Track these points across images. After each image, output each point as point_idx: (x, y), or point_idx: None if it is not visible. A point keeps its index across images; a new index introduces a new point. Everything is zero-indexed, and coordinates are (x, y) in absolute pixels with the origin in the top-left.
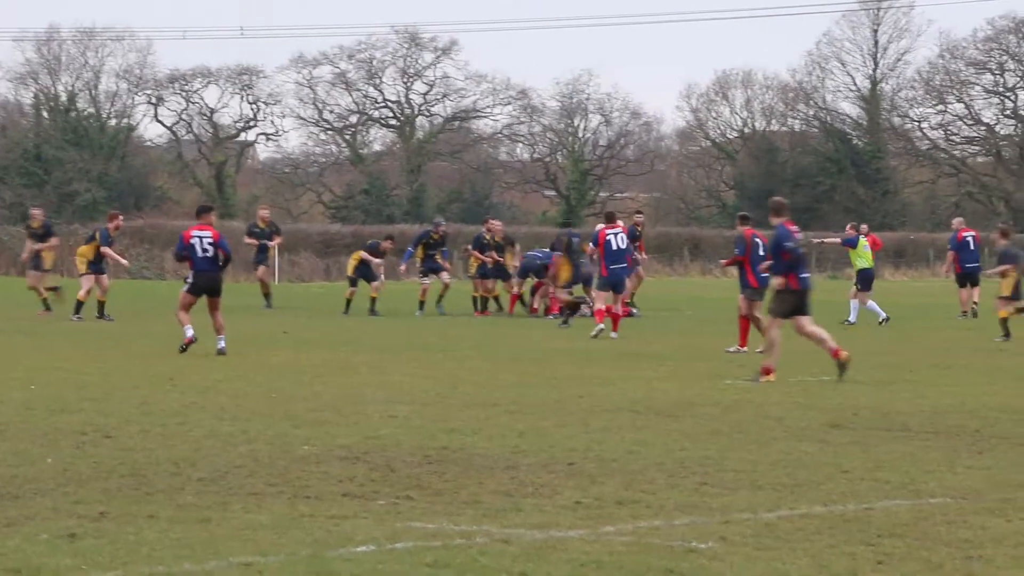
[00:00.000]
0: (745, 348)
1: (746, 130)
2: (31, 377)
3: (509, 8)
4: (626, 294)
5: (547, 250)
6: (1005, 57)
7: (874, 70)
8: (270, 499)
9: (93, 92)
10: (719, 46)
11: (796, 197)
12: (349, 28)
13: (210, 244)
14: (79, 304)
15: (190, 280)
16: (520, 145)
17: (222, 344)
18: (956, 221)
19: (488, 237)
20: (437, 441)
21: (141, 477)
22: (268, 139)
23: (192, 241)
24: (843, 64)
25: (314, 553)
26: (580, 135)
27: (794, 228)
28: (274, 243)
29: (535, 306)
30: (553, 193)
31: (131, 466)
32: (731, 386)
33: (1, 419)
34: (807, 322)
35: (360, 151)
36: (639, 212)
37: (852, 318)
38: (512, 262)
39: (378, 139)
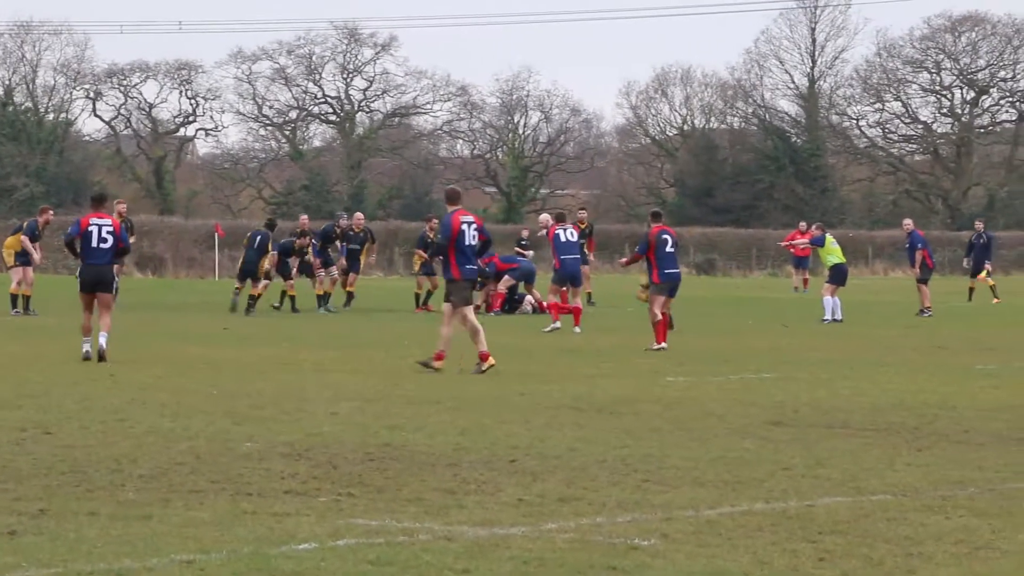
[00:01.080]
0: (663, 344)
1: (685, 127)
2: None
3: (449, 4)
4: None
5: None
6: (941, 56)
7: (812, 68)
8: (212, 496)
9: (31, 86)
10: (658, 43)
11: (735, 194)
12: (288, 23)
13: (109, 233)
14: (13, 298)
15: (79, 276)
16: (460, 142)
17: (103, 341)
18: (908, 222)
19: (432, 236)
20: (379, 438)
21: (82, 474)
22: (207, 134)
23: (90, 229)
24: (781, 62)
25: (256, 550)
26: (520, 132)
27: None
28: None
29: (477, 303)
30: (494, 190)
31: (71, 463)
32: (673, 383)
33: None
34: (470, 311)
35: (300, 147)
36: (582, 209)
37: (828, 316)
38: (369, 258)
39: (318, 135)
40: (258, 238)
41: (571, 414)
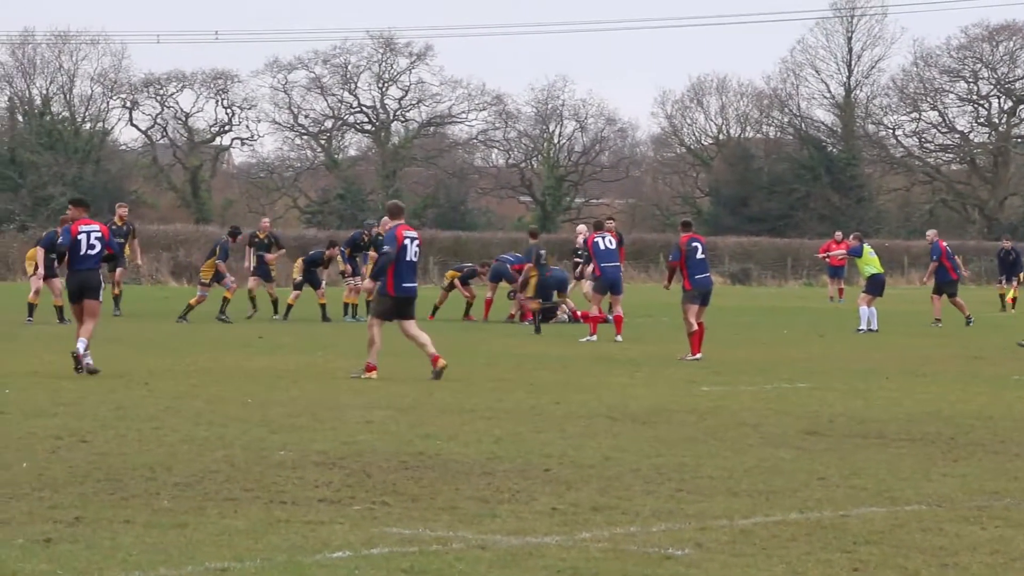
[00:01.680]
0: (698, 355)
1: (721, 137)
2: (5, 382)
3: (484, 14)
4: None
5: (518, 255)
6: (979, 65)
7: (848, 77)
8: (246, 504)
9: (68, 96)
10: (693, 53)
11: (771, 204)
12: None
13: (97, 239)
14: (31, 307)
15: (65, 285)
16: (495, 151)
17: (80, 347)
18: (931, 232)
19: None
20: (413, 447)
21: (117, 482)
22: (243, 144)
23: (79, 236)
24: (817, 71)
25: (290, 559)
26: (555, 141)
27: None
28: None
29: (512, 312)
30: (528, 199)
31: (107, 471)
32: (707, 393)
33: None
34: (410, 326)
35: (335, 156)
36: (611, 219)
37: (864, 326)
38: (275, 263)
39: (353, 144)
40: (218, 247)
41: (605, 423)
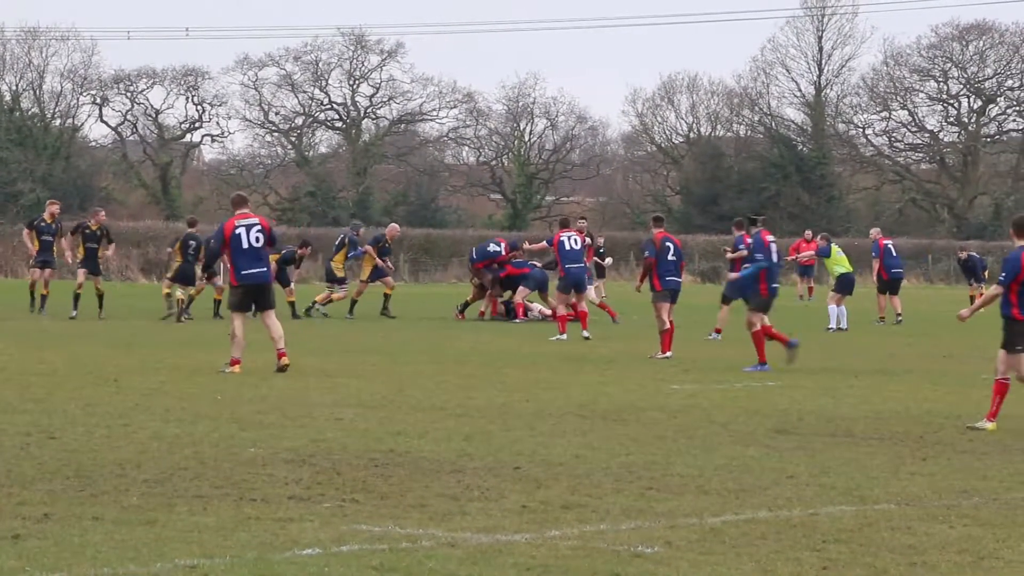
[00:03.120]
0: (668, 353)
1: (691, 135)
2: None
3: (455, 11)
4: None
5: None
6: (949, 64)
7: (819, 76)
8: (216, 501)
9: (37, 92)
10: (664, 51)
11: (741, 202)
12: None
13: (260, 233)
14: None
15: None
16: (466, 148)
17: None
18: (875, 231)
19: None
20: (383, 444)
21: (86, 478)
22: (213, 140)
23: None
24: (788, 70)
25: (260, 556)
26: (526, 139)
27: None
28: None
29: (482, 309)
30: (499, 197)
31: (76, 467)
32: (677, 391)
33: None
34: (267, 315)
35: (306, 153)
36: (583, 218)
37: (833, 324)
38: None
39: (324, 141)
40: (347, 239)
41: (576, 421)
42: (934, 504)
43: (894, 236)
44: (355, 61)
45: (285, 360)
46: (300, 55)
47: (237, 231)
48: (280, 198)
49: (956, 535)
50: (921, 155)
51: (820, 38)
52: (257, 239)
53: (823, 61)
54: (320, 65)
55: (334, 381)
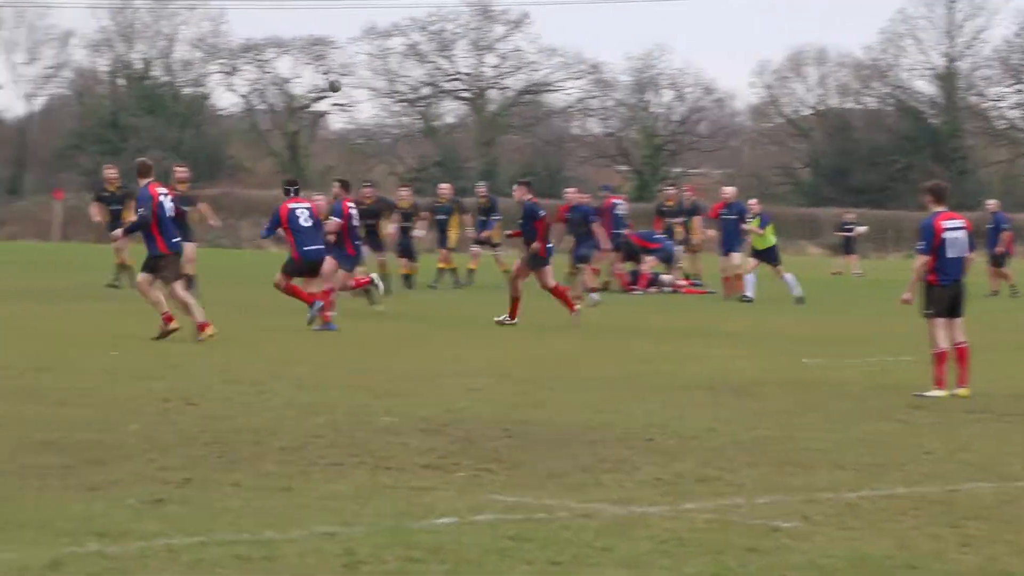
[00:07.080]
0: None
1: (820, 107)
2: (114, 344)
3: None
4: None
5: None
6: None
7: (950, 48)
8: (351, 469)
9: (168, 60)
10: (792, 23)
11: (871, 176)
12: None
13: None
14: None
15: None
16: (592, 119)
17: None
18: (992, 203)
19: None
20: (516, 414)
21: (224, 445)
22: (341, 110)
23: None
24: (918, 42)
25: (397, 524)
26: (652, 110)
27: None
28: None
29: (607, 280)
30: (626, 168)
31: (214, 434)
32: (808, 365)
33: (86, 385)
34: (176, 287)
35: (432, 123)
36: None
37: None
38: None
39: (450, 111)
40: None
41: (706, 394)
42: None
43: None
44: (481, 31)
45: (209, 331)
46: (426, 25)
47: (160, 199)
48: (407, 168)
49: None
50: None
51: (951, 9)
52: (171, 208)
53: (954, 33)
54: (446, 35)
55: (464, 351)
